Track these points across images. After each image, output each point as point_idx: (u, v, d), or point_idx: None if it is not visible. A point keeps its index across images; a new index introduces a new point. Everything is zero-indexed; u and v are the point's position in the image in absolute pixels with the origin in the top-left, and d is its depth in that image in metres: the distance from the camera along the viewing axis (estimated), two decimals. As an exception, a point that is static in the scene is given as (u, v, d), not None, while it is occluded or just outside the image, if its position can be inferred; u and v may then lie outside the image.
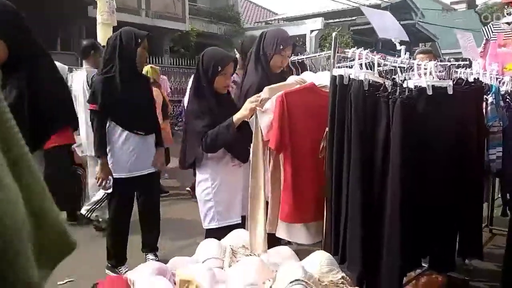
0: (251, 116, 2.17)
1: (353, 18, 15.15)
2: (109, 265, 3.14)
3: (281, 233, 2.25)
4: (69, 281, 3.05)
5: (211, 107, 2.31)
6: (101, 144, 2.91)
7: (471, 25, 13.58)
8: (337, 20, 16.00)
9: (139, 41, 2.94)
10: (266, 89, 2.15)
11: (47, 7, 9.85)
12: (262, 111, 2.10)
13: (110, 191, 2.98)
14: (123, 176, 2.98)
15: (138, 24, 11.34)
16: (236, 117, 2.19)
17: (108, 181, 2.94)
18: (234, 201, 2.39)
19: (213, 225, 2.35)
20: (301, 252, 2.30)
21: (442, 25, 19.82)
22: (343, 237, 1.83)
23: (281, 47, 2.49)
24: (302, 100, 2.18)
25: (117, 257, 3.13)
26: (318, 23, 14.28)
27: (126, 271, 3.04)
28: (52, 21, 10.51)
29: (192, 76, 3.66)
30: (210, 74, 2.34)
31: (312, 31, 14.12)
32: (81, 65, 3.71)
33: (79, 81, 4.23)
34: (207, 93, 2.35)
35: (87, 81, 4.04)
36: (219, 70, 2.33)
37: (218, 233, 2.20)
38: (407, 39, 2.51)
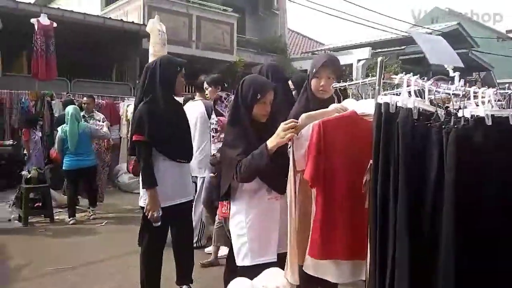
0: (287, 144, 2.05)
1: (402, 47, 14.76)
2: (143, 297, 3.06)
3: (309, 269, 2.08)
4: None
5: (247, 134, 2.21)
6: (151, 175, 2.87)
7: (527, 54, 12.85)
8: (386, 49, 15.72)
9: (179, 68, 2.94)
10: (303, 116, 2.03)
11: (104, 38, 10.40)
12: (298, 138, 1.97)
13: (159, 223, 2.91)
14: (166, 205, 2.92)
15: (188, 55, 11.74)
16: (271, 143, 2.07)
17: (158, 213, 2.88)
18: (270, 238, 2.23)
19: (247, 262, 2.21)
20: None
21: (497, 54, 18.95)
22: (390, 283, 1.62)
23: (258, 97, 2.25)
24: (341, 129, 2.04)
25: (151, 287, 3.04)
26: (365, 53, 14.05)
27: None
28: (109, 52, 11.08)
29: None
30: (249, 101, 2.26)
31: (359, 60, 13.91)
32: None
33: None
34: (245, 120, 2.26)
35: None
36: (259, 98, 2.25)
37: (252, 271, 2.06)
38: (461, 65, 2.31)
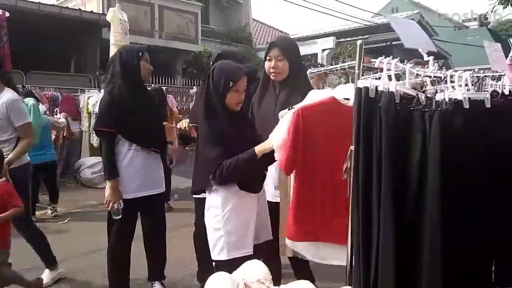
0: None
1: (366, 36, 14.98)
2: (113, 296, 2.93)
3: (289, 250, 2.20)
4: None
5: (224, 131, 2.11)
6: (112, 165, 2.75)
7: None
8: (349, 39, 15.92)
9: (140, 54, 2.84)
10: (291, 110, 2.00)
11: (62, 29, 9.94)
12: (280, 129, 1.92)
13: (119, 216, 2.78)
14: (129, 197, 2.78)
15: (152, 46, 11.41)
16: (258, 149, 2.07)
17: (118, 204, 2.75)
18: (247, 230, 2.16)
19: (223, 256, 2.13)
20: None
21: (455, 43, 19.61)
22: (375, 274, 1.59)
23: (231, 85, 2.14)
24: (321, 115, 2.01)
25: (120, 285, 2.91)
26: (329, 42, 14.19)
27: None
28: (66, 42, 10.61)
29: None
30: (221, 90, 2.15)
31: (323, 50, 14.02)
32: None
33: None
34: (219, 112, 2.15)
35: None
36: (231, 85, 2.14)
37: (229, 265, 1.98)
38: (434, 49, 2.30)
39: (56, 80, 9.35)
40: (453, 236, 1.51)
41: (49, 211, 5.86)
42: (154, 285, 3.05)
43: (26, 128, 3.14)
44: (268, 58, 2.49)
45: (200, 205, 2.60)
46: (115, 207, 2.74)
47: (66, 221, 5.56)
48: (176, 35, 12.83)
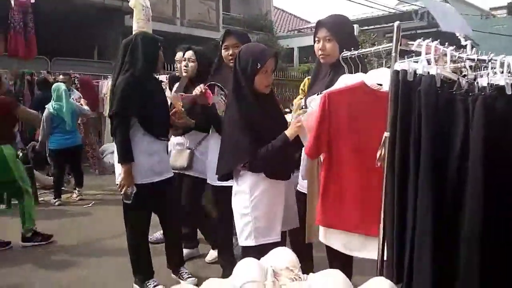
0: None
1: (389, 24, 14.68)
2: (137, 279, 2.95)
3: (321, 237, 2.11)
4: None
5: (254, 115, 2.08)
6: (128, 150, 2.74)
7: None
8: (372, 27, 15.60)
9: (159, 44, 2.86)
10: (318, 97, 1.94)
11: (85, 15, 10.01)
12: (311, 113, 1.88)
13: (130, 201, 2.79)
14: (144, 182, 2.79)
15: (173, 33, 11.40)
16: (290, 133, 2.05)
17: (131, 189, 2.76)
18: (275, 217, 2.13)
19: (250, 242, 2.11)
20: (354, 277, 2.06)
21: (482, 31, 19.04)
22: (409, 264, 1.54)
23: (259, 66, 2.09)
24: (349, 101, 1.94)
25: (143, 271, 2.94)
26: (353, 30, 13.93)
27: (155, 285, 2.86)
28: (90, 29, 10.69)
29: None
30: (249, 73, 2.11)
31: (347, 38, 13.77)
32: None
33: None
34: (248, 96, 2.11)
35: None
36: (259, 67, 2.09)
37: (256, 251, 1.96)
38: (471, 33, 2.19)
39: (80, 67, 9.45)
40: (496, 233, 1.44)
41: (75, 195, 5.97)
42: (181, 272, 3.06)
43: None
44: (316, 39, 2.30)
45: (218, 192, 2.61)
46: (129, 191, 2.75)
47: (90, 204, 5.66)
48: (198, 22, 12.80)
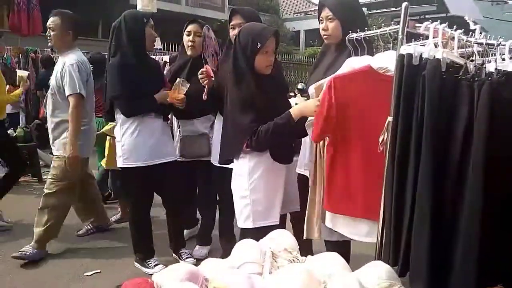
0: None
1: (397, 8, 14.45)
2: (138, 258, 2.99)
3: (328, 223, 2.10)
4: (95, 273, 2.93)
5: (255, 96, 2.03)
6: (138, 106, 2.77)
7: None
8: (380, 10, 15.36)
9: (145, 20, 2.76)
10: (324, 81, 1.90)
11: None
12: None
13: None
14: (142, 165, 2.78)
15: (177, 13, 11.26)
16: (295, 113, 2.00)
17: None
18: (274, 200, 2.12)
19: (248, 224, 2.11)
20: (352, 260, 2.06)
21: (491, 18, 18.74)
22: (405, 247, 1.54)
23: (259, 46, 2.03)
24: (355, 85, 1.91)
25: (143, 250, 2.97)
26: (361, 14, 13.73)
27: (156, 265, 2.89)
28: (95, 7, 10.58)
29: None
30: (249, 53, 2.06)
31: (354, 21, 13.59)
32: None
33: None
34: (248, 76, 2.06)
35: None
36: (259, 47, 2.04)
37: (255, 233, 1.96)
38: (481, 17, 2.14)
39: (84, 46, 9.38)
40: (495, 220, 1.42)
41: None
42: (181, 252, 3.08)
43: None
44: (320, 19, 2.28)
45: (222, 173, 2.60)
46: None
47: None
48: (203, 2, 12.65)
